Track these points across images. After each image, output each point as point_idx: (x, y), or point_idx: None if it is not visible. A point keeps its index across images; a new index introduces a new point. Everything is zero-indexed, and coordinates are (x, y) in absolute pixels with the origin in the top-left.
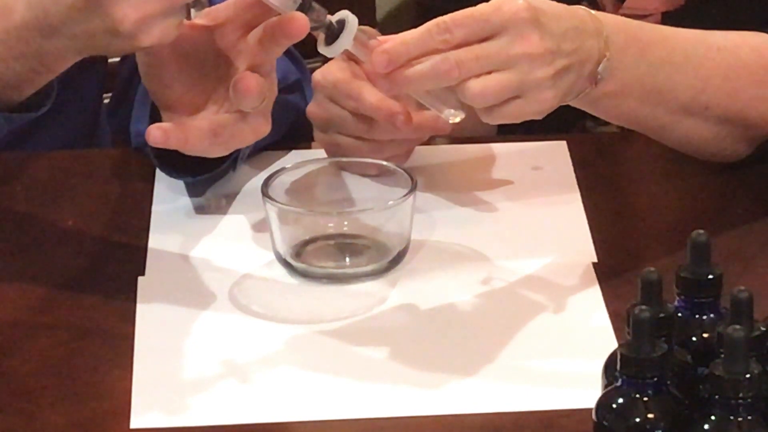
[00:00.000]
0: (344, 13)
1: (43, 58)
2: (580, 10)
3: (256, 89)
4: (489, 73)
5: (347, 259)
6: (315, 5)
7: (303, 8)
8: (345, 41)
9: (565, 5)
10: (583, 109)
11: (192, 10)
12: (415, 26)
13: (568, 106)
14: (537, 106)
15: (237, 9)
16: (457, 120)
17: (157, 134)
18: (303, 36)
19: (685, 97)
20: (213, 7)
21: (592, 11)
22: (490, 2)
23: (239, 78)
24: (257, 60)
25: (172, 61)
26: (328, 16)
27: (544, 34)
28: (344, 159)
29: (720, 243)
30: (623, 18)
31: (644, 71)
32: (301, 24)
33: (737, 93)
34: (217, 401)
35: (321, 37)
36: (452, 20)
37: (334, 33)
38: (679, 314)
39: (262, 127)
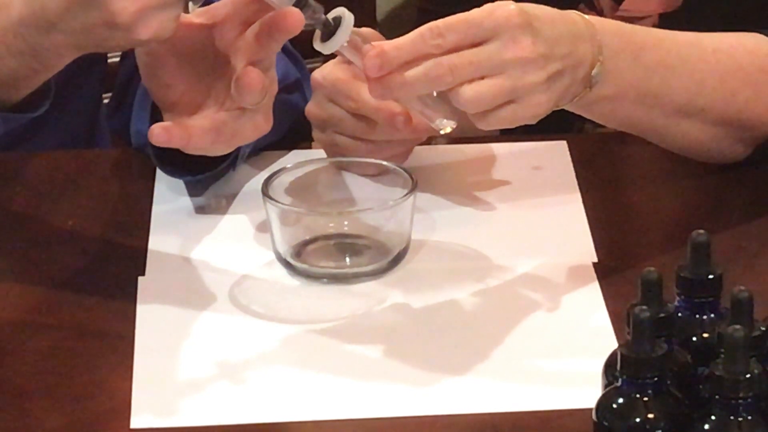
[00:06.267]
0: (340, 10)
1: (40, 55)
2: (573, 14)
3: (259, 84)
4: (482, 78)
5: (347, 259)
6: (311, 2)
7: (299, 5)
8: (341, 38)
9: (557, 10)
10: (578, 113)
11: (190, 4)
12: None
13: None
14: (530, 111)
15: (235, 6)
16: (448, 130)
17: (160, 133)
18: (298, 31)
19: (680, 100)
20: (211, 6)
21: (586, 16)
22: (482, 7)
23: (241, 73)
24: (256, 57)
25: (171, 60)
26: (324, 14)
27: (537, 38)
28: (344, 159)
29: (720, 243)
30: (617, 22)
31: (639, 75)
32: (295, 19)
33: (733, 95)
34: (217, 401)
35: (317, 33)
36: (445, 25)
37: (330, 30)
38: (679, 314)
39: (263, 124)
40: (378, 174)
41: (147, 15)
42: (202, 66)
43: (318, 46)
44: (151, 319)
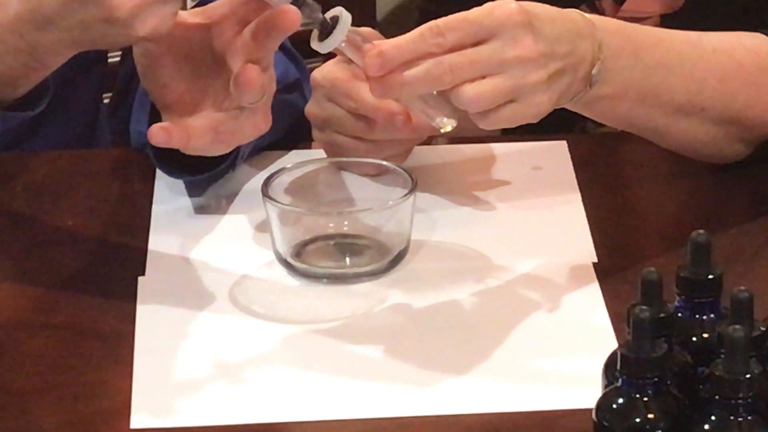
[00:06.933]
0: (338, 10)
1: (37, 53)
2: (573, 13)
3: (257, 82)
4: (483, 77)
5: (347, 259)
6: (309, 1)
7: (296, 3)
8: (337, 38)
9: (558, 9)
10: (578, 112)
11: (188, 0)
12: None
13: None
14: (531, 110)
15: (233, 6)
16: (449, 129)
17: (159, 134)
18: (295, 29)
19: (680, 99)
20: (208, 5)
21: (586, 14)
22: (483, 6)
23: (240, 71)
24: (253, 56)
25: (169, 60)
26: (322, 14)
27: (538, 37)
28: (344, 159)
29: (720, 243)
30: (617, 21)
31: (639, 74)
32: (293, 16)
33: (733, 94)
34: (217, 401)
35: (314, 33)
36: (445, 24)
37: (327, 29)
38: (679, 314)
39: (262, 123)
40: (378, 174)
41: (145, 11)
42: (200, 66)
43: (315, 45)
44: (151, 319)
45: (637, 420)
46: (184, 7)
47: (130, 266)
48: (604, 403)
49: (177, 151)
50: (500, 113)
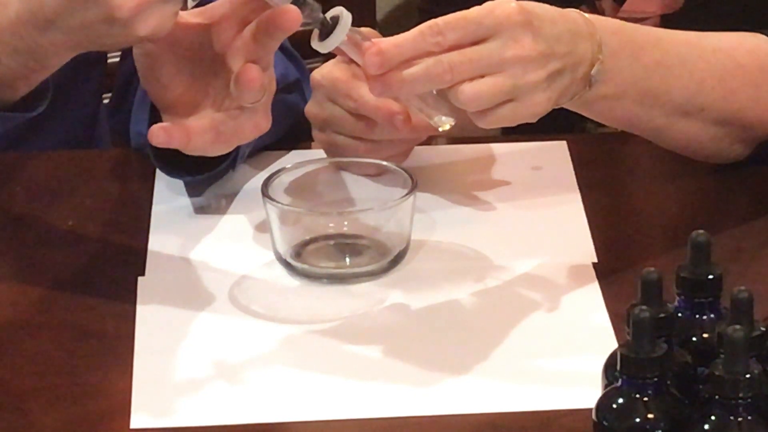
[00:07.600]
0: (338, 10)
1: (37, 54)
2: (573, 13)
3: (258, 81)
4: (482, 76)
5: (347, 259)
6: (309, 1)
7: (297, 3)
8: (338, 37)
9: (557, 8)
10: (578, 112)
11: (188, 0)
12: None
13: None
14: (530, 110)
15: (232, 6)
16: (447, 128)
17: (159, 134)
18: (295, 28)
19: (680, 99)
20: (208, 5)
21: (586, 15)
22: (483, 5)
23: (241, 71)
24: (253, 56)
25: (169, 60)
26: (322, 13)
27: (537, 37)
28: (344, 159)
29: (720, 243)
30: (617, 21)
31: (639, 74)
32: (293, 16)
33: (733, 94)
34: (217, 401)
35: (315, 33)
36: (445, 23)
37: (327, 29)
38: (679, 314)
39: (262, 123)
40: (378, 174)
41: (146, 10)
42: (200, 66)
43: (315, 45)
44: (151, 319)
45: (637, 420)
46: (184, 7)
47: (130, 266)
48: (604, 403)
49: (177, 151)
50: (499, 112)
